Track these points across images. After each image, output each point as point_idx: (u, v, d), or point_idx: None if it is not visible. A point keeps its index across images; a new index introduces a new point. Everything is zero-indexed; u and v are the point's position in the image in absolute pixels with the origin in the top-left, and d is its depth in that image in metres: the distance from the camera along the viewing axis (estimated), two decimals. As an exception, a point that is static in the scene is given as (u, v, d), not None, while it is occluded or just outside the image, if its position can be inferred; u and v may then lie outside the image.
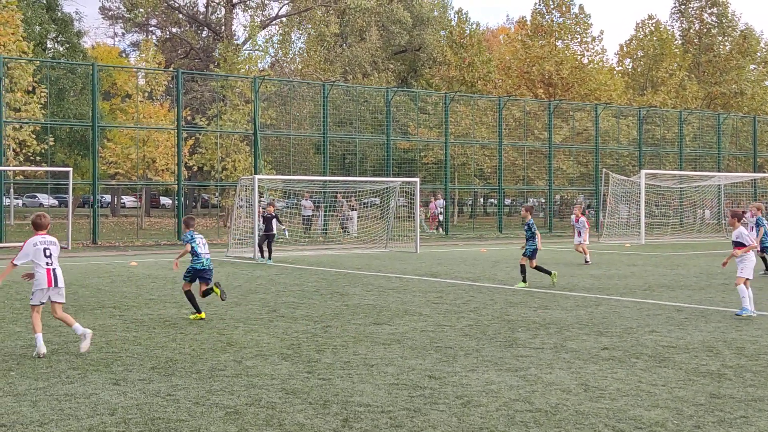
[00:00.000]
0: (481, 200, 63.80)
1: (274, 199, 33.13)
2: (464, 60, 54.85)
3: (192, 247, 13.57)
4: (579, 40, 55.61)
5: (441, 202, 41.16)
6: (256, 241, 26.27)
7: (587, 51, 55.58)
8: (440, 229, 41.48)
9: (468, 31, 57.28)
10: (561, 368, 9.83)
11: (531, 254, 18.84)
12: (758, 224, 21.29)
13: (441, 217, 41.91)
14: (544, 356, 10.53)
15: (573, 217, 27.33)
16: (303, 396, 8.40)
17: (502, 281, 19.83)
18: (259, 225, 26.73)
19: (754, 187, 52.44)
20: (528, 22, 56.76)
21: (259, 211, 26.98)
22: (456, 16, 60.50)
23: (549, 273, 19.07)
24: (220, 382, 8.95)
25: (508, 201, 60.14)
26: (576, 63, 53.29)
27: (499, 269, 23.03)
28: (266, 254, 25.72)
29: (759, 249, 20.47)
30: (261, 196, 31.20)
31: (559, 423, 7.53)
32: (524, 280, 18.58)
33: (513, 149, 47.68)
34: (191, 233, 13.82)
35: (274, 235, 25.99)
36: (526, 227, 19.51)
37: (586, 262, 24.94)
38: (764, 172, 50.80)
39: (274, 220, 26.00)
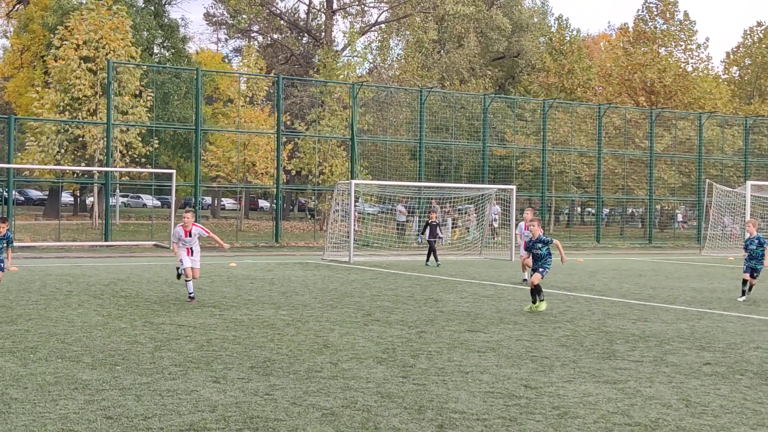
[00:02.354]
0: (579, 209, 62.85)
1: (437, 207, 33.66)
2: (563, 67, 54.20)
3: None
4: (683, 47, 54.31)
5: (496, 208, 39.59)
6: (429, 248, 26.79)
7: (691, 58, 54.26)
8: (496, 236, 40.03)
9: (568, 38, 56.58)
10: (661, 382, 9.60)
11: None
12: None
13: (495, 224, 40.46)
14: (644, 369, 10.30)
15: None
16: (398, 400, 8.43)
17: (600, 292, 19.48)
18: (422, 231, 28.10)
19: None
20: (630, 29, 55.71)
21: (430, 218, 27.57)
22: (556, 22, 59.91)
23: (535, 301, 15.53)
24: (317, 384, 9.06)
25: (606, 210, 59.05)
26: (680, 71, 52.06)
27: (597, 279, 22.63)
28: (432, 259, 26.55)
29: None
30: (357, 201, 31.46)
31: (659, 438, 7.36)
32: (535, 301, 15.51)
33: (612, 158, 46.83)
34: None
35: (435, 241, 26.91)
36: (540, 244, 15.78)
37: None
38: None
39: (437, 227, 27.20)
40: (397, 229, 38.36)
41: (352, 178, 35.96)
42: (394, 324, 13.48)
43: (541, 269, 15.62)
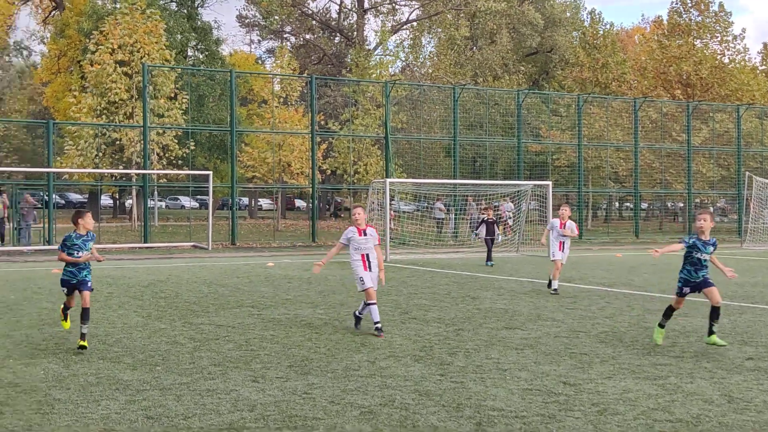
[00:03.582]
0: (616, 204, 62.32)
1: (490, 204, 33.02)
2: (597, 61, 53.77)
3: None
4: (719, 38, 53.59)
5: (509, 205, 38.60)
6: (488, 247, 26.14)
7: (728, 50, 53.50)
8: (509, 233, 39.13)
9: (601, 32, 56.12)
10: (702, 378, 9.49)
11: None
12: None
13: (510, 222, 39.66)
14: (685, 365, 10.19)
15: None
16: (436, 398, 8.42)
17: (639, 287, 19.30)
18: (477, 230, 27.38)
19: None
20: (665, 22, 55.11)
21: (487, 216, 27.03)
22: (589, 16, 59.46)
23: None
24: (355, 382, 9.07)
25: (644, 205, 58.46)
26: (716, 62, 51.39)
27: (636, 275, 22.42)
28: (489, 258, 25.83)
29: None
30: (392, 199, 31.44)
31: (701, 434, 7.28)
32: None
33: (649, 152, 46.37)
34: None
35: (493, 239, 26.22)
36: (712, 247, 12.02)
37: None
38: None
39: (494, 225, 26.43)
40: (436, 226, 38.30)
41: (386, 176, 35.97)
42: (432, 322, 13.47)
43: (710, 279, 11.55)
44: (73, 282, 11.08)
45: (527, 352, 10.94)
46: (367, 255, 12.37)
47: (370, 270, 12.35)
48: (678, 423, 7.62)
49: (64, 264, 11.13)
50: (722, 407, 8.19)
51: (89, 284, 11.09)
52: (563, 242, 18.11)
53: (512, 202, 35.16)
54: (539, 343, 11.61)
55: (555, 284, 17.66)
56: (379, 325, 12.15)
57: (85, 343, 10.74)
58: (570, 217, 18.28)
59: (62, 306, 11.69)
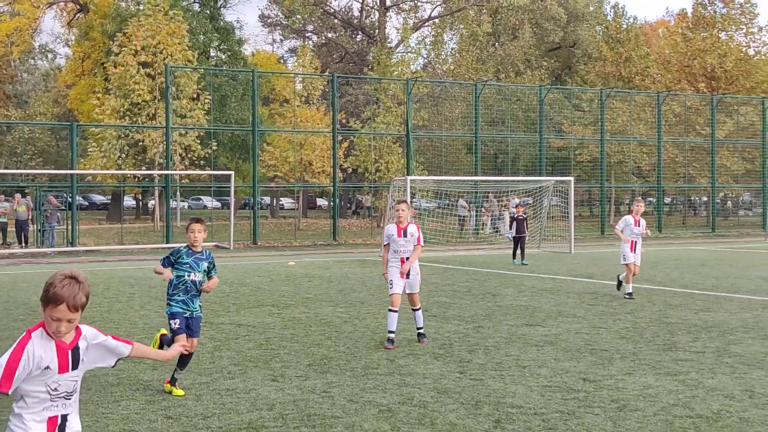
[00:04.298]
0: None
1: (521, 200, 32.29)
2: (621, 55, 53.40)
3: None
4: (744, 31, 53.07)
5: (515, 201, 36.88)
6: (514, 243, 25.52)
7: (753, 42, 52.98)
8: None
9: (625, 26, 55.73)
10: (723, 373, 9.42)
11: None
12: None
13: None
14: (706, 360, 10.11)
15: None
16: (455, 396, 8.41)
17: (661, 282, 19.16)
18: (508, 228, 26.72)
19: None
20: (689, 14, 54.65)
21: (515, 212, 26.61)
22: (612, 10, 59.04)
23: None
24: (374, 380, 9.09)
25: (667, 200, 58.02)
26: (741, 55, 50.88)
27: (658, 270, 22.26)
28: (518, 256, 25.25)
29: None
30: (413, 197, 31.39)
31: (721, 430, 7.23)
32: None
33: (673, 146, 46.01)
34: None
35: (525, 236, 25.60)
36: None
37: None
38: None
39: (524, 222, 25.78)
40: (459, 223, 38.18)
41: (408, 174, 35.95)
42: (451, 319, 13.46)
43: None
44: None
45: (547, 348, 10.90)
46: (408, 258, 11.21)
47: (408, 277, 11.21)
48: (698, 419, 7.57)
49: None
50: (743, 402, 8.13)
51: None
52: (635, 241, 16.36)
53: (531, 197, 34.93)
54: (559, 339, 11.56)
55: (629, 288, 16.05)
56: (421, 331, 11.38)
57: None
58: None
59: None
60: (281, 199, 74.89)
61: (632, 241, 16.27)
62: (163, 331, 8.65)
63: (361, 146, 43.29)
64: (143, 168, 40.06)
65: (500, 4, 61.11)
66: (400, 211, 11.31)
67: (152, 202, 57.45)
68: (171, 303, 8.60)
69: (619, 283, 16.68)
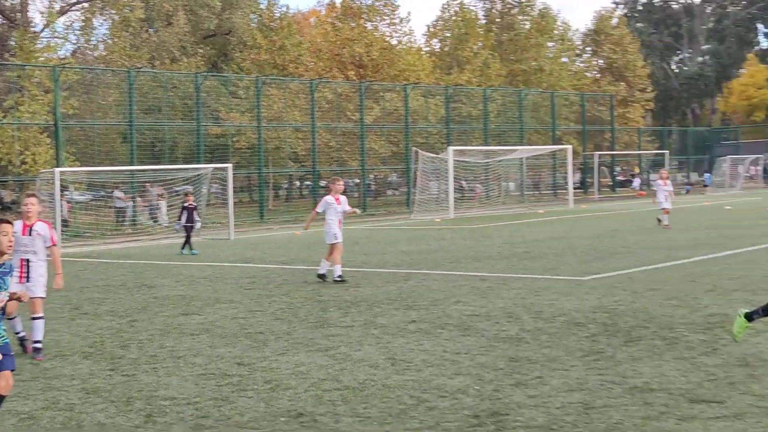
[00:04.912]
0: (297, 183, 63.75)
1: (191, 189, 30.55)
2: (275, 43, 54.44)
3: None
4: (387, 21, 56.50)
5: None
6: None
7: (396, 32, 56.59)
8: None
9: (278, 15, 56.91)
10: (370, 344, 9.98)
11: None
12: None
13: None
14: (354, 334, 10.65)
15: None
16: (105, 395, 8.09)
17: (316, 263, 19.84)
18: (178, 217, 25.14)
19: (554, 158, 55.39)
20: (338, 5, 57.09)
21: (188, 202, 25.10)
22: (265, -1, 59.95)
23: None
24: (16, 388, 8.42)
25: (323, 183, 60.42)
26: (385, 44, 54.10)
27: (314, 251, 23.04)
28: (188, 246, 24.12)
29: None
30: (65, 190, 29.72)
31: (366, 398, 7.64)
32: None
33: (326, 131, 47.88)
34: None
35: (192, 226, 24.41)
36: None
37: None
38: (562, 144, 53.50)
39: (194, 211, 24.60)
40: (117, 216, 36.77)
41: (57, 165, 33.94)
42: (104, 315, 12.93)
43: None
44: None
45: (203, 336, 10.86)
46: (27, 260, 10.05)
47: (28, 280, 10.03)
48: (345, 390, 7.94)
49: None
50: (386, 370, 8.67)
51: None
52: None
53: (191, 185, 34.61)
54: (216, 326, 11.57)
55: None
56: (38, 345, 9.98)
57: None
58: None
59: None
60: None
61: (339, 219, 16.49)
62: None
63: (3, 137, 40.08)
64: None
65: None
66: (29, 206, 10.20)
67: None
68: None
69: None
